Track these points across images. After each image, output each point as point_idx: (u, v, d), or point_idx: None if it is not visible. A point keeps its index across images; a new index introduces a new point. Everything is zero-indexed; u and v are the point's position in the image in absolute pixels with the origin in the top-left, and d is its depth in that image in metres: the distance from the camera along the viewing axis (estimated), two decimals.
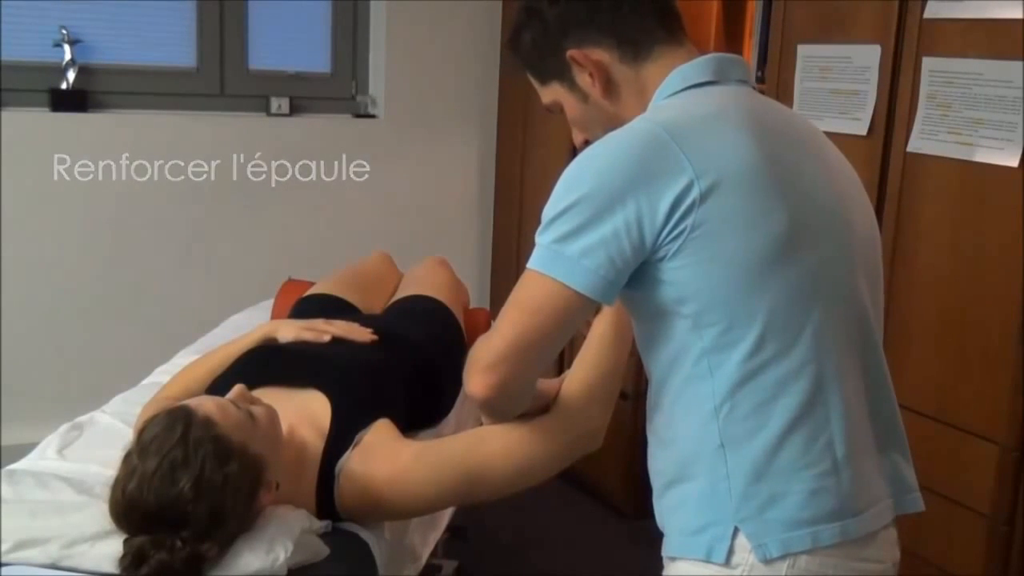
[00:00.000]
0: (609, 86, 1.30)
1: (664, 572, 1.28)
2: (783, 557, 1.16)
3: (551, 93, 1.36)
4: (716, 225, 1.14)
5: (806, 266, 1.19)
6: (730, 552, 1.17)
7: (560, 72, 1.32)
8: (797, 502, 1.17)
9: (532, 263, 1.18)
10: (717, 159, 1.16)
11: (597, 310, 1.54)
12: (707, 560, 1.19)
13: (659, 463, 1.29)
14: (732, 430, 1.18)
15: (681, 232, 1.14)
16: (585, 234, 1.14)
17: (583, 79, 1.31)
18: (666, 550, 1.27)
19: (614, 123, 1.28)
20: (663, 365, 1.23)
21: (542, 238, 1.18)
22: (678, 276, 1.16)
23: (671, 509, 1.26)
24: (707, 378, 1.18)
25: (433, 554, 2.10)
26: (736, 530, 1.17)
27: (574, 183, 1.17)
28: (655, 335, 1.23)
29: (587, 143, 1.33)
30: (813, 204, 1.22)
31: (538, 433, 1.52)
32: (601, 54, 1.29)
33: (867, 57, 2.30)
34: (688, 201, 1.13)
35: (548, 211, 1.18)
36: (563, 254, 1.15)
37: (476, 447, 1.55)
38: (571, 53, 1.29)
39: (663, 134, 1.16)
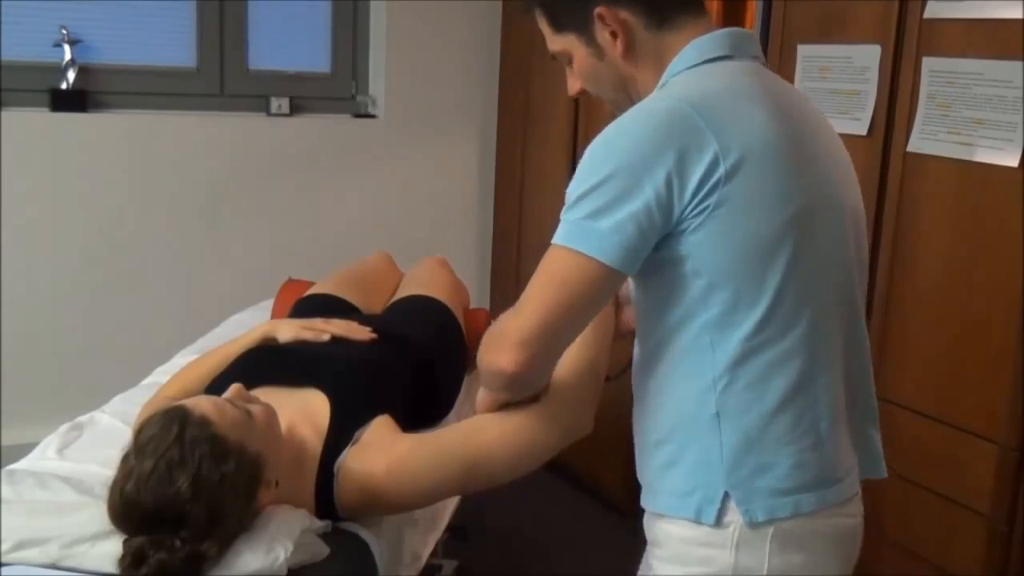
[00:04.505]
0: (630, 48, 1.31)
1: (648, 526, 1.33)
2: (769, 521, 1.23)
3: (564, 42, 1.36)
4: (737, 204, 1.17)
5: (812, 250, 1.23)
6: (719, 514, 1.23)
7: (581, 25, 1.32)
8: (782, 473, 1.24)
9: (561, 239, 1.19)
10: (740, 135, 1.18)
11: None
12: (696, 521, 1.25)
13: (648, 422, 1.32)
14: (728, 402, 1.22)
15: (705, 208, 1.17)
16: (617, 209, 1.16)
17: (603, 36, 1.31)
18: (651, 505, 1.31)
19: (625, 84, 1.32)
20: (665, 331, 1.26)
21: (570, 214, 1.19)
22: (695, 250, 1.19)
23: (661, 466, 1.29)
24: (708, 352, 1.22)
25: (433, 554, 2.10)
26: (726, 495, 1.23)
27: (602, 159, 1.19)
28: (661, 302, 1.25)
29: (583, 93, 1.37)
30: (820, 188, 1.26)
31: (534, 419, 1.53)
32: (628, 16, 1.30)
33: (867, 57, 2.30)
34: (714, 179, 1.16)
35: (576, 188, 1.20)
36: (595, 229, 1.17)
37: (473, 435, 1.56)
38: (600, 11, 1.30)
39: (688, 109, 1.18)
